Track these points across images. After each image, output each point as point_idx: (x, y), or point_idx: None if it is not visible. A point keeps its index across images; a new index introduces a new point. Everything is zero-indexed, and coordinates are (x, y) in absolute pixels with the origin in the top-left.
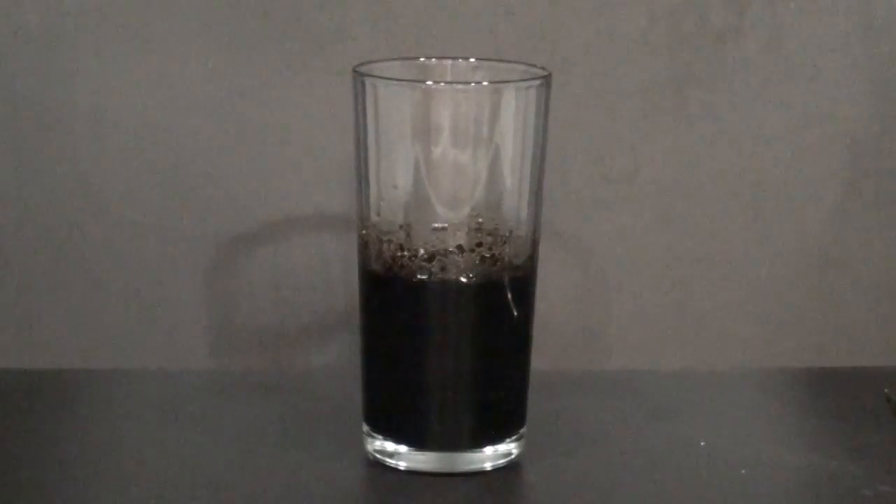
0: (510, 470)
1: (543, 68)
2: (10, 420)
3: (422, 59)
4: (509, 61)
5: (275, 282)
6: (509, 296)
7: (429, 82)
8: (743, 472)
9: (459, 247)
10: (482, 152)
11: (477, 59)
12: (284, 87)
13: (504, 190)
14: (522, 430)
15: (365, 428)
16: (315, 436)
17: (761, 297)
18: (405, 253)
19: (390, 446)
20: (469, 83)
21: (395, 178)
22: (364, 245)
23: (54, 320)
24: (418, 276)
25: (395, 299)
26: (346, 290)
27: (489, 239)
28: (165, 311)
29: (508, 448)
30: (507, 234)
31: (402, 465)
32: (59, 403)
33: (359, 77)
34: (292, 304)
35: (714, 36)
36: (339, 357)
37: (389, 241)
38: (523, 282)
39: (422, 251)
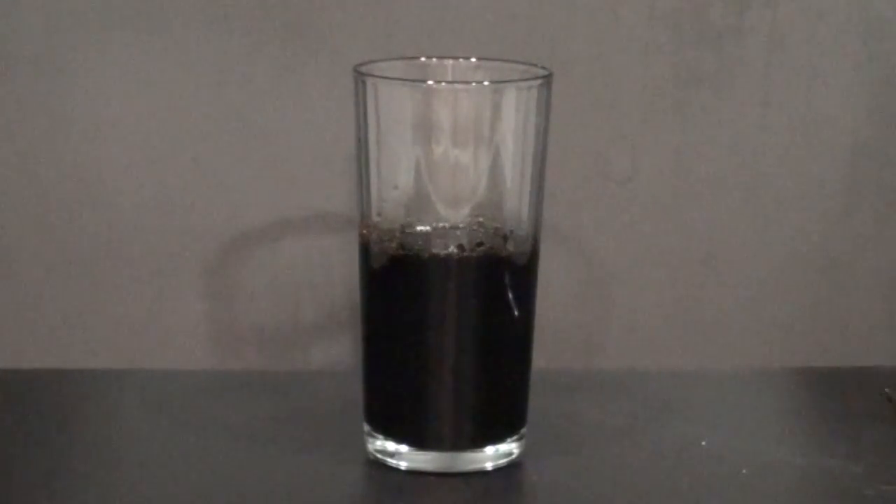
0: (511, 469)
1: (544, 68)
2: (10, 420)
3: (423, 59)
4: (510, 61)
5: (275, 282)
6: (510, 295)
7: (430, 82)
8: (744, 471)
9: (460, 246)
10: (483, 152)
11: (478, 58)
12: (284, 86)
13: (505, 189)
14: (523, 430)
15: (366, 428)
16: (315, 436)
17: (761, 297)
18: (405, 252)
19: (391, 446)
20: (470, 83)
21: (395, 178)
22: (365, 245)
23: (54, 320)
24: (418, 276)
25: (395, 299)
26: (346, 290)
27: (490, 238)
28: (165, 311)
29: (509, 448)
30: (508, 233)
31: (402, 464)
32: (59, 403)
33: (360, 77)
34: (292, 304)
35: (714, 36)
36: (340, 357)
37: (390, 241)
38: (524, 281)
39: (422, 251)
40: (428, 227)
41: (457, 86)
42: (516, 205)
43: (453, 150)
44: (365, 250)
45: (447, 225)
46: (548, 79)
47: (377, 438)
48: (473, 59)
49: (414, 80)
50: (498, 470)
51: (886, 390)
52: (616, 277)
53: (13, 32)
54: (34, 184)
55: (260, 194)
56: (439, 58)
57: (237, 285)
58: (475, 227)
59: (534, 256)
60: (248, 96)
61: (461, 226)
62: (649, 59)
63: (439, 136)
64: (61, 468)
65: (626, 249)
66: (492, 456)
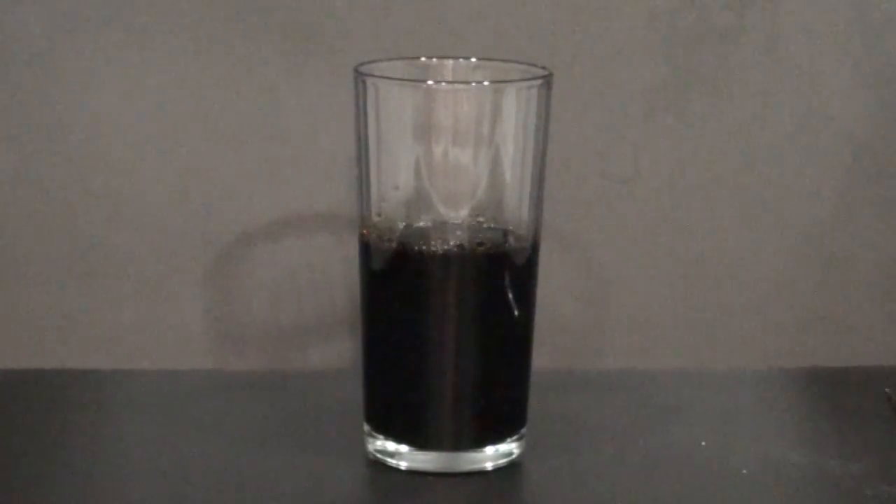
0: (511, 470)
1: (544, 68)
2: (10, 420)
3: (423, 59)
4: (510, 61)
5: (275, 282)
6: (510, 295)
7: (430, 82)
8: (743, 472)
9: (460, 246)
10: (483, 152)
11: (478, 58)
12: (284, 87)
13: (505, 189)
14: (523, 430)
15: (366, 428)
16: (316, 436)
17: (761, 297)
18: (406, 252)
19: (391, 446)
20: (470, 83)
21: (396, 178)
22: (365, 245)
23: (54, 320)
24: (419, 276)
25: (395, 299)
26: (346, 290)
27: (490, 238)
28: (165, 311)
29: (509, 448)
30: (508, 233)
31: (403, 465)
32: (59, 403)
33: (360, 77)
34: (292, 304)
35: (714, 36)
36: (340, 357)
37: (390, 241)
38: (524, 281)
39: (422, 251)
40: (428, 227)
41: (457, 86)
42: (516, 204)
43: (453, 150)
44: (365, 250)
45: (447, 224)
46: (548, 79)
47: (377, 438)
48: (473, 59)
49: (414, 80)
50: (498, 470)
51: (887, 390)
52: (616, 277)
53: (13, 32)
54: (34, 184)
55: (260, 194)
56: (439, 58)
57: (237, 285)
58: (475, 227)
59: (534, 256)
60: (249, 96)
61: (461, 225)
62: (649, 58)
63: (439, 135)
64: (61, 468)
65: (626, 249)
66: (492, 456)
